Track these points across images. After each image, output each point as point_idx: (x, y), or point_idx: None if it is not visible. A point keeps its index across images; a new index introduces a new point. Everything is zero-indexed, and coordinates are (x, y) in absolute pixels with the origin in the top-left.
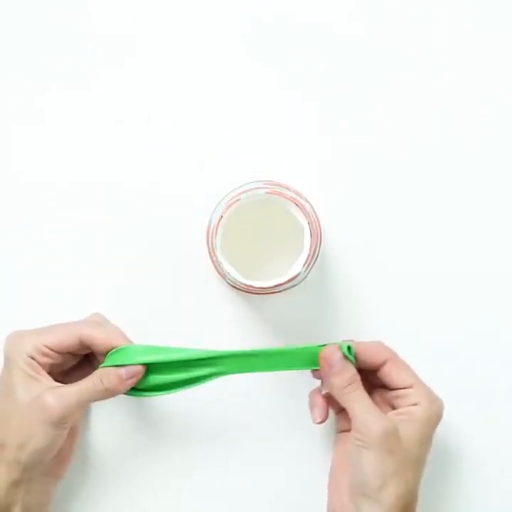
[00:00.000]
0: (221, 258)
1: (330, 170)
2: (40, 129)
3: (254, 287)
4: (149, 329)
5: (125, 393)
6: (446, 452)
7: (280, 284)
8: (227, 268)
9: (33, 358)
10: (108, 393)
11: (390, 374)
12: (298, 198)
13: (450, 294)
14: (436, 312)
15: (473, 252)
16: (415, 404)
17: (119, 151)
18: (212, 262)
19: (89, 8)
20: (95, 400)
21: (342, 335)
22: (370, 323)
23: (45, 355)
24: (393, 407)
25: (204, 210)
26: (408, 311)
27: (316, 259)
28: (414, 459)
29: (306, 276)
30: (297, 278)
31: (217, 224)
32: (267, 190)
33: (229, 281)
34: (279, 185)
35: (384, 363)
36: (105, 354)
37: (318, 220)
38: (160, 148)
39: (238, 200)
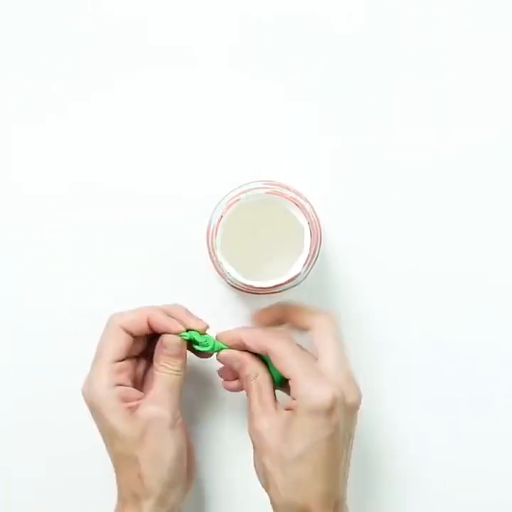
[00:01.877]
0: (221, 258)
1: (330, 170)
2: (40, 129)
3: (254, 287)
4: None
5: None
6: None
7: (280, 284)
8: (227, 268)
9: (117, 384)
10: (181, 373)
11: (274, 364)
12: (298, 198)
13: (450, 293)
14: (437, 312)
15: (473, 251)
16: (294, 400)
17: (119, 152)
18: (212, 262)
19: (91, 14)
20: (180, 383)
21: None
22: (370, 323)
23: (120, 369)
24: None
25: (204, 210)
26: (408, 311)
27: (316, 259)
28: (291, 458)
29: (306, 276)
30: (297, 278)
31: (217, 224)
32: (267, 190)
33: (229, 281)
34: (279, 185)
35: (266, 353)
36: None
37: (318, 220)
38: (160, 149)
39: (238, 200)
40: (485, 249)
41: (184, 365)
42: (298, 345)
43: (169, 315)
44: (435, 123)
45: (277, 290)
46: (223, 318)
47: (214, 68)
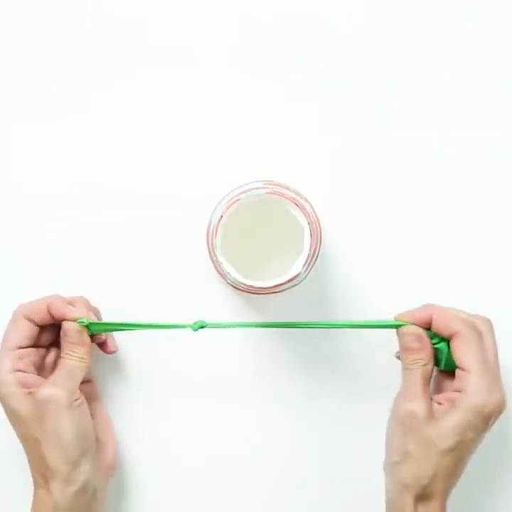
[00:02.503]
0: (221, 258)
1: (330, 170)
2: (40, 129)
3: (254, 287)
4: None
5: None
6: None
7: (280, 284)
8: (227, 268)
9: (18, 370)
10: (74, 342)
11: (454, 349)
12: (298, 198)
13: (450, 293)
14: None
15: (473, 251)
16: (458, 391)
17: (119, 152)
18: (212, 262)
19: (91, 14)
20: (84, 367)
21: (342, 334)
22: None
23: (21, 356)
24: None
25: (204, 210)
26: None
27: (316, 259)
28: (439, 448)
29: (306, 276)
30: (297, 278)
31: (217, 224)
32: (267, 190)
33: (229, 281)
34: (279, 185)
35: (452, 336)
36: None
37: (318, 220)
38: (160, 149)
39: (238, 200)
40: (485, 249)
41: (88, 353)
42: (486, 340)
43: (69, 304)
44: (435, 123)
45: (277, 290)
46: (223, 318)
47: (214, 68)
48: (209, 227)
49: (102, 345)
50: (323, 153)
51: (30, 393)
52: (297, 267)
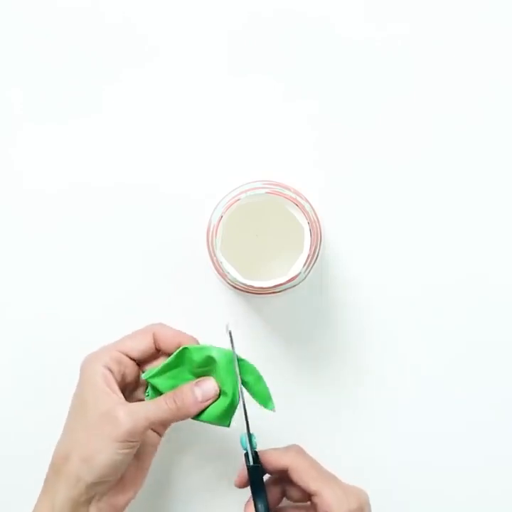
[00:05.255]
0: (221, 258)
1: (330, 170)
2: (41, 130)
3: (254, 287)
4: None
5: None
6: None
7: (280, 284)
8: (227, 268)
9: (109, 369)
10: (180, 413)
11: (296, 483)
12: (298, 198)
13: (450, 293)
14: (437, 311)
15: (473, 250)
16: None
17: (119, 152)
18: (212, 262)
19: (91, 14)
20: (167, 421)
21: (342, 335)
22: (370, 323)
23: (121, 362)
24: None
25: (204, 210)
26: (408, 311)
27: (316, 259)
28: None
29: (306, 276)
30: (297, 278)
31: (217, 224)
32: (267, 190)
33: (229, 281)
34: (279, 185)
35: (286, 472)
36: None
37: (318, 220)
38: (160, 149)
39: (238, 200)
40: (485, 247)
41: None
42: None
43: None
44: (435, 124)
45: (277, 290)
46: (223, 318)
47: (214, 68)
48: (209, 227)
49: None
50: (324, 154)
51: (107, 394)
52: (297, 267)
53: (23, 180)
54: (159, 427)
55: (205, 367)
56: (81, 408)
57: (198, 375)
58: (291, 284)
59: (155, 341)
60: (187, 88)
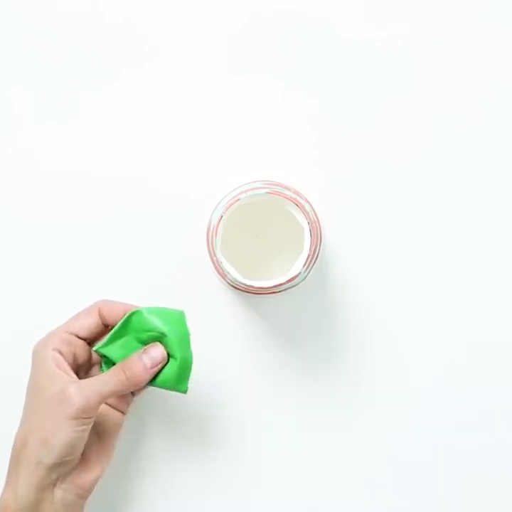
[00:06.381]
0: (221, 258)
1: (330, 170)
2: (41, 130)
3: (254, 287)
4: None
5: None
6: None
7: (280, 284)
8: (227, 268)
9: (59, 351)
10: (131, 383)
11: None
12: (298, 198)
13: (450, 293)
14: (437, 311)
15: (472, 250)
16: None
17: (118, 152)
18: (212, 262)
19: (91, 14)
20: (119, 392)
21: (341, 335)
22: (370, 323)
23: (71, 343)
24: None
25: (204, 210)
26: (408, 311)
27: (316, 259)
28: None
29: (306, 276)
30: (297, 278)
31: (217, 224)
32: (267, 190)
33: (229, 281)
34: (279, 185)
35: None
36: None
37: (318, 220)
38: (160, 149)
39: (238, 200)
40: (485, 247)
41: (132, 386)
42: None
43: None
44: (435, 125)
45: (277, 290)
46: (223, 318)
47: (214, 68)
48: (209, 227)
49: None
50: (324, 154)
51: (58, 375)
52: (297, 267)
53: (23, 181)
54: (117, 401)
55: (152, 331)
56: (34, 393)
57: (147, 342)
58: (291, 284)
59: (101, 317)
60: (187, 88)
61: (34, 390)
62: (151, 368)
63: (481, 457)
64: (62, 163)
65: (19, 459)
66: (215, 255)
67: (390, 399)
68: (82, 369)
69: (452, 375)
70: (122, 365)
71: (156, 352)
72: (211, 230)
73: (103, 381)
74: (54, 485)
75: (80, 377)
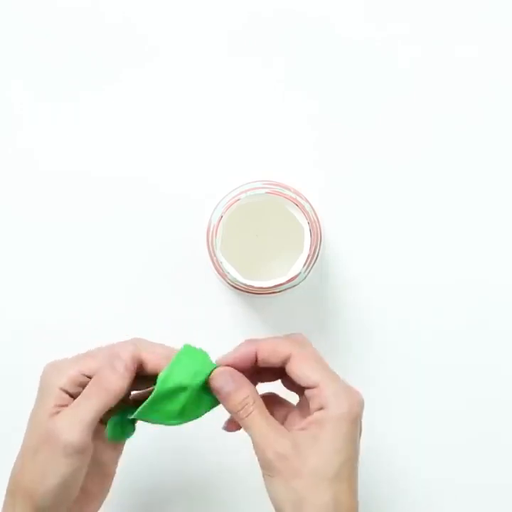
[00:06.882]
0: (221, 258)
1: (330, 170)
2: (41, 130)
3: (254, 287)
4: (149, 329)
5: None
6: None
7: (280, 284)
8: (227, 268)
9: (66, 392)
10: (109, 394)
11: (294, 372)
12: (298, 198)
13: (451, 293)
14: (437, 311)
15: (472, 250)
16: (321, 409)
17: (118, 152)
18: (212, 262)
19: (90, 13)
20: (102, 409)
21: (341, 335)
22: (370, 323)
23: (82, 385)
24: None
25: (204, 210)
26: (408, 311)
27: (316, 259)
28: (329, 475)
29: (306, 276)
30: (297, 278)
31: (217, 224)
32: (267, 190)
33: (229, 281)
34: (279, 185)
35: (286, 361)
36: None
37: (318, 220)
38: (160, 149)
39: (238, 200)
40: (485, 247)
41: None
42: (311, 349)
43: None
44: (435, 125)
45: (277, 290)
46: (223, 318)
47: (215, 69)
48: (209, 227)
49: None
50: (324, 154)
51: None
52: (297, 267)
53: (23, 181)
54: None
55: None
56: (29, 428)
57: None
58: (291, 284)
59: (138, 367)
60: (187, 88)
61: (30, 427)
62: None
63: (483, 458)
64: (62, 163)
65: (15, 494)
66: (215, 255)
67: (391, 399)
68: None
69: (453, 375)
70: (92, 380)
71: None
72: (211, 230)
73: (82, 406)
74: None
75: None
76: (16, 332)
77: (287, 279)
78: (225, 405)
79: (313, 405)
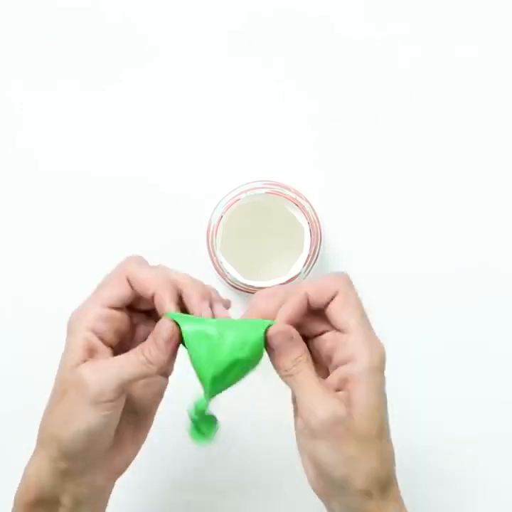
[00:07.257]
0: (221, 258)
1: (330, 170)
2: (41, 130)
3: (254, 287)
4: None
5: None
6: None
7: (280, 284)
8: (227, 268)
9: (93, 331)
10: (150, 366)
11: (333, 310)
12: (298, 198)
13: (451, 293)
14: (437, 311)
15: (472, 249)
16: (349, 361)
17: (118, 152)
18: (212, 262)
19: (90, 13)
20: (139, 376)
21: None
22: (370, 323)
23: (110, 318)
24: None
25: (204, 210)
26: (408, 310)
27: (316, 259)
28: (374, 433)
29: (306, 276)
30: (297, 278)
31: (217, 224)
32: (267, 190)
33: (229, 281)
34: (279, 185)
35: (332, 298)
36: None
37: (318, 220)
38: (160, 149)
39: (238, 200)
40: (485, 247)
41: (161, 362)
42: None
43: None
44: (435, 124)
45: None
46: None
47: (215, 69)
48: (209, 227)
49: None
50: (324, 154)
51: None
52: (297, 267)
53: (23, 181)
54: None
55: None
56: (59, 373)
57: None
58: (291, 284)
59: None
60: (187, 88)
61: (58, 373)
62: (166, 343)
63: (482, 457)
64: (62, 163)
65: (43, 440)
66: (215, 255)
67: (391, 399)
68: (127, 340)
69: (454, 375)
70: (141, 346)
71: (163, 327)
72: (211, 230)
73: (122, 362)
74: (80, 473)
75: (127, 350)
76: (16, 332)
77: (287, 279)
78: (276, 362)
79: (339, 355)
